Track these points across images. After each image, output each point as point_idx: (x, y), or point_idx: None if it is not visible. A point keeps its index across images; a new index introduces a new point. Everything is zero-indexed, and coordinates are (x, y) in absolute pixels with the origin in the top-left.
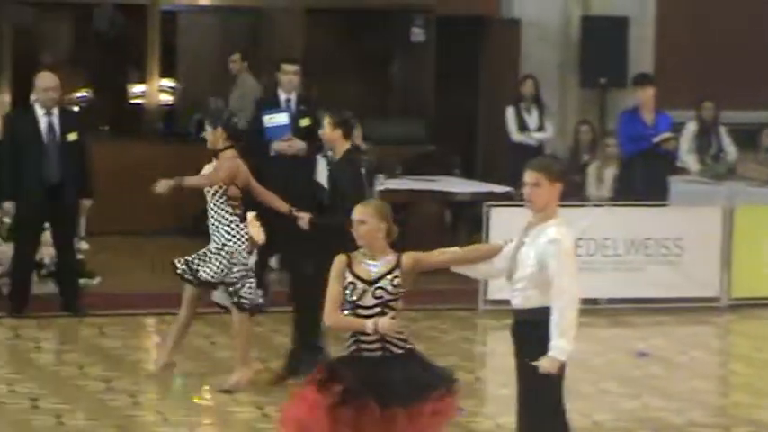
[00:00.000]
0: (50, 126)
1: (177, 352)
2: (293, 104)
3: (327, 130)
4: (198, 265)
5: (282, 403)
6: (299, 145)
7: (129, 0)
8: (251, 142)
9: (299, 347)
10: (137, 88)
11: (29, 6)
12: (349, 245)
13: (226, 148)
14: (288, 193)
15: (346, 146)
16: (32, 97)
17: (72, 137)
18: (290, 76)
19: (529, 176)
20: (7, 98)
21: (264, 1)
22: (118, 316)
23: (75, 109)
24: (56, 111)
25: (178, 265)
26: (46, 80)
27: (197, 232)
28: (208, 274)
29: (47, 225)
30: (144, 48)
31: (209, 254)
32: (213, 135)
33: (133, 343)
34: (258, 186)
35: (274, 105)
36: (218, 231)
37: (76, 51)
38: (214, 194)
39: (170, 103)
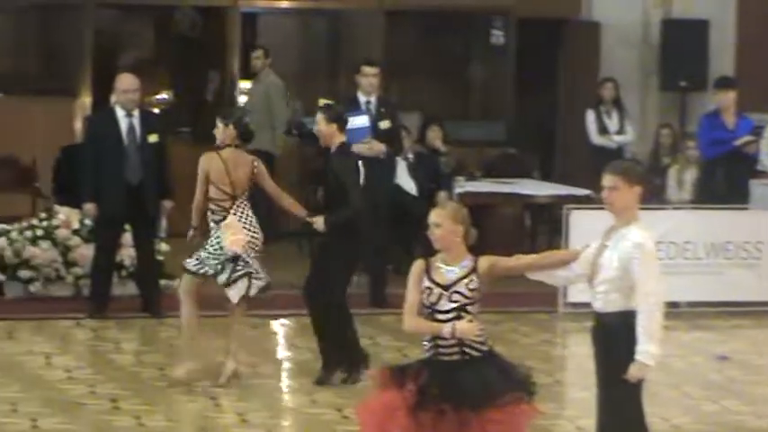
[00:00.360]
0: (131, 128)
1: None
2: (373, 107)
3: (322, 125)
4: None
5: (359, 406)
6: (378, 147)
7: (210, 2)
8: None
9: (331, 348)
10: (217, 90)
11: (110, 9)
12: (355, 238)
13: (227, 146)
14: (368, 195)
15: (341, 139)
16: (113, 99)
17: (152, 138)
18: (370, 78)
19: (608, 180)
20: (88, 100)
21: (344, 3)
22: (200, 317)
23: (156, 111)
24: (136, 112)
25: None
26: (126, 82)
27: (273, 236)
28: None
29: (127, 226)
30: (224, 50)
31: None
32: (224, 132)
33: (214, 345)
34: (275, 190)
35: (354, 108)
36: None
37: (157, 53)
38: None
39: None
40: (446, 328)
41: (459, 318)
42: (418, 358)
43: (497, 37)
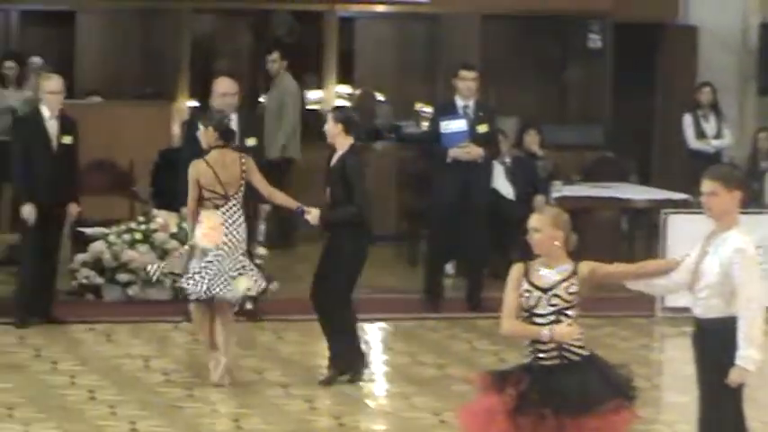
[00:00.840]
0: None
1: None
2: (471, 111)
3: (330, 125)
4: None
5: (459, 409)
6: (476, 151)
7: (307, 7)
8: (428, 148)
9: (340, 348)
10: (314, 94)
11: (207, 14)
12: (356, 238)
13: (214, 148)
14: (465, 199)
15: (349, 141)
16: (211, 103)
17: (251, 142)
18: (467, 82)
19: (706, 186)
20: (186, 104)
21: (441, 7)
22: (295, 321)
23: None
24: (234, 116)
25: None
26: (224, 85)
27: (374, 238)
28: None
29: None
30: (321, 54)
31: None
32: (205, 135)
33: (310, 349)
34: (265, 186)
35: (452, 112)
36: None
37: (254, 58)
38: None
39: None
40: (544, 332)
41: (557, 321)
42: (519, 363)
43: (594, 41)
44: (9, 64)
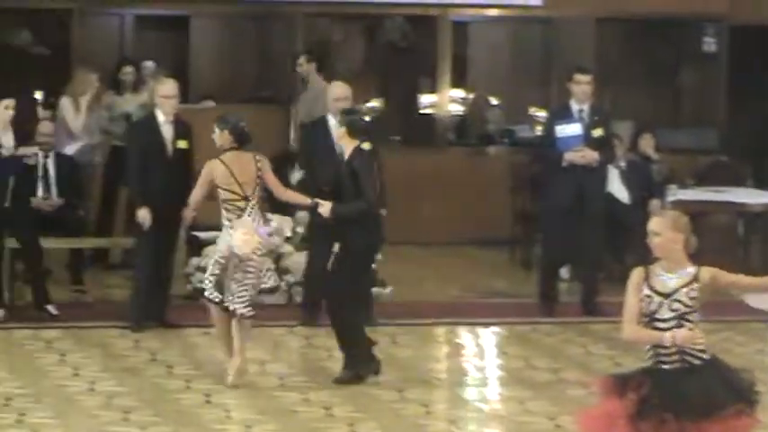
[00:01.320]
0: None
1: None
2: (586, 114)
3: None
4: None
5: (579, 413)
6: (591, 155)
7: (420, 11)
8: (543, 152)
9: (354, 351)
10: (427, 98)
11: (321, 18)
12: (369, 233)
13: (228, 150)
14: (580, 203)
15: (354, 143)
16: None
17: (365, 146)
18: (582, 86)
19: None
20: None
21: (555, 10)
22: (410, 326)
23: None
24: None
25: None
26: (338, 91)
27: (488, 242)
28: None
29: None
30: (434, 58)
31: None
32: (220, 137)
33: (425, 353)
34: (277, 185)
35: (567, 115)
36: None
37: (367, 62)
38: (218, 198)
39: (460, 112)
40: (666, 336)
41: (679, 326)
42: (640, 367)
43: (709, 44)
44: (127, 69)
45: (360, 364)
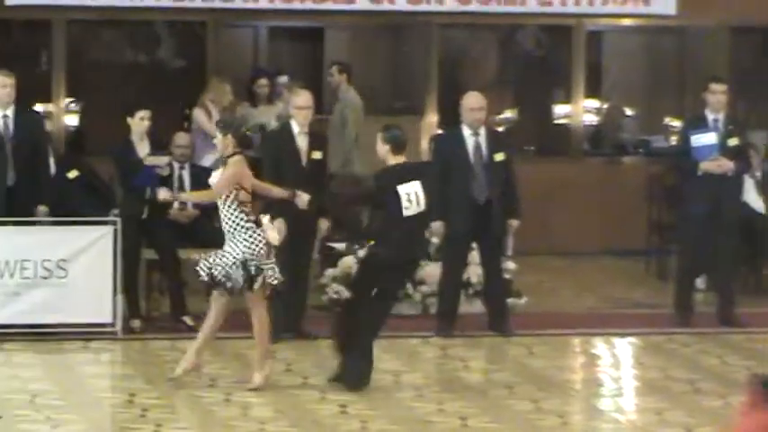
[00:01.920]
0: (477, 146)
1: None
2: (721, 124)
3: (378, 146)
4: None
5: (732, 426)
6: (727, 165)
7: (556, 21)
8: (678, 162)
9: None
10: (562, 108)
11: (455, 28)
12: (393, 249)
13: (232, 155)
14: (716, 213)
15: (398, 159)
16: (460, 118)
17: (499, 157)
18: (718, 95)
19: None
20: (435, 119)
21: (689, 20)
22: (545, 336)
23: (500, 129)
24: (482, 131)
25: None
26: (473, 101)
27: (623, 252)
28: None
29: (474, 245)
30: (569, 68)
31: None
32: (223, 142)
33: (561, 363)
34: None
35: (702, 125)
36: (234, 239)
37: (502, 72)
38: (225, 201)
39: (595, 122)
40: None
41: None
42: None
43: None
44: (261, 81)
45: (347, 374)
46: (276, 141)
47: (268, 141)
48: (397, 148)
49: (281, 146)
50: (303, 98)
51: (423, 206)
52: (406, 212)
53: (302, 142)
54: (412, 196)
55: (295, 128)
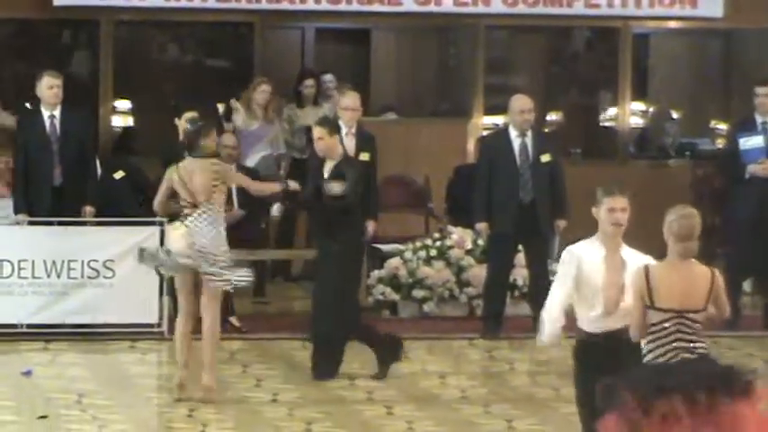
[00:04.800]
0: (524, 147)
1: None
2: None
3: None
4: None
5: None
6: None
7: (602, 23)
8: (726, 165)
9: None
10: (608, 111)
11: (501, 30)
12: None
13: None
14: (763, 215)
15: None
16: (507, 119)
17: (545, 158)
18: (764, 98)
19: None
20: (481, 121)
21: (736, 22)
22: None
23: (546, 131)
24: (529, 133)
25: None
26: (521, 102)
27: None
28: None
29: (520, 246)
30: (615, 70)
31: None
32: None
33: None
34: (247, 181)
35: (750, 128)
36: None
37: (548, 74)
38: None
39: (641, 125)
40: None
41: None
42: None
43: None
44: (308, 82)
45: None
46: None
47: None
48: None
49: None
50: (350, 99)
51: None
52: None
53: (349, 143)
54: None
55: (343, 128)
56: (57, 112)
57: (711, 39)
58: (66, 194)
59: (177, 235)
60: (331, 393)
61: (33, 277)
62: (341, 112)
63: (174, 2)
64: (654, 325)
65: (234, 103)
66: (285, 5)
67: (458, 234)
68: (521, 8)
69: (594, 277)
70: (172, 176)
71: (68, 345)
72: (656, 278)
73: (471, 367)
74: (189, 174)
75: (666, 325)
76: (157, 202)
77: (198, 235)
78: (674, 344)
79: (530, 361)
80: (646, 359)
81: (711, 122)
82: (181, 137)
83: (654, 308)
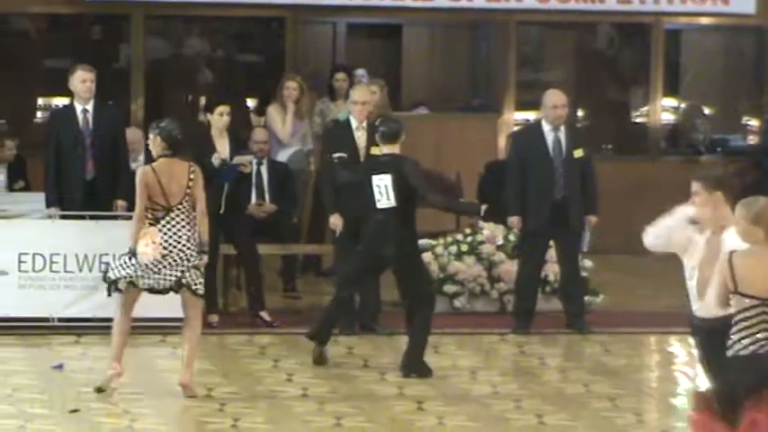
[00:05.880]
0: (557, 142)
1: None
2: None
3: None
4: None
5: None
6: None
7: (634, 19)
8: (758, 161)
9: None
10: (640, 107)
11: (532, 26)
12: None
13: (160, 156)
14: None
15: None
16: (540, 114)
17: (578, 153)
18: None
19: None
20: (512, 116)
21: (766, 19)
22: (622, 334)
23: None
24: (562, 128)
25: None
26: (555, 97)
27: None
28: None
29: (552, 242)
30: (647, 66)
31: None
32: (153, 143)
33: (637, 361)
34: (202, 201)
35: None
36: None
37: (580, 70)
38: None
39: (672, 121)
40: None
41: None
42: None
43: None
44: (339, 76)
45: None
46: (334, 137)
47: (327, 137)
48: (383, 138)
49: (339, 141)
50: (359, 92)
51: (393, 201)
52: (378, 204)
53: (360, 138)
54: (382, 189)
55: (353, 122)
56: (90, 107)
57: (743, 35)
58: (98, 188)
59: (150, 249)
60: (361, 388)
61: (65, 271)
62: (351, 107)
63: None
64: (738, 313)
65: (271, 109)
66: (317, 0)
67: (489, 229)
68: (552, 4)
69: (696, 254)
70: (146, 179)
71: (99, 338)
72: (739, 265)
73: (502, 363)
74: (168, 176)
75: (749, 314)
76: (140, 213)
77: (182, 239)
78: (758, 335)
79: (561, 356)
80: (731, 350)
81: (743, 118)
82: (212, 130)
83: (737, 293)
